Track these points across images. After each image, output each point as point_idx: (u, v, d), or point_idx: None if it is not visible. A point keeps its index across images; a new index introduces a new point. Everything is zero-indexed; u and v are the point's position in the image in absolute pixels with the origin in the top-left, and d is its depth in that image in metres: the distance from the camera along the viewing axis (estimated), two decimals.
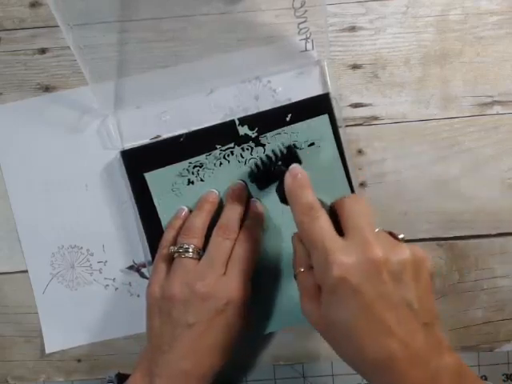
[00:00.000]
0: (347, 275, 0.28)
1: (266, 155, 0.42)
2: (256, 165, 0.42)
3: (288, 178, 0.34)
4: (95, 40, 0.44)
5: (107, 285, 0.45)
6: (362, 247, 0.29)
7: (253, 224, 0.41)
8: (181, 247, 0.38)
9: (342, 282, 0.28)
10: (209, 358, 0.37)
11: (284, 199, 0.36)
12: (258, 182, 0.42)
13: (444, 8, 0.46)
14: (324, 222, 0.31)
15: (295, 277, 0.34)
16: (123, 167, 0.43)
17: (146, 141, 0.44)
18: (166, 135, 0.44)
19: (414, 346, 0.28)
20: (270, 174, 0.41)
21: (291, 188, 0.34)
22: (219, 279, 0.37)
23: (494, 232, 0.46)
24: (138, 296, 0.45)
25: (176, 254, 0.39)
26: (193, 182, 0.42)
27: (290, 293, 0.43)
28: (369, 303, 0.28)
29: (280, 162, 0.41)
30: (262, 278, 0.42)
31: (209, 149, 0.42)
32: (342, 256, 0.29)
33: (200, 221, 0.40)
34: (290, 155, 0.41)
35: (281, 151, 0.42)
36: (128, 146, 0.44)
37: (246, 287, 0.38)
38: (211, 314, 0.36)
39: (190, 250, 0.38)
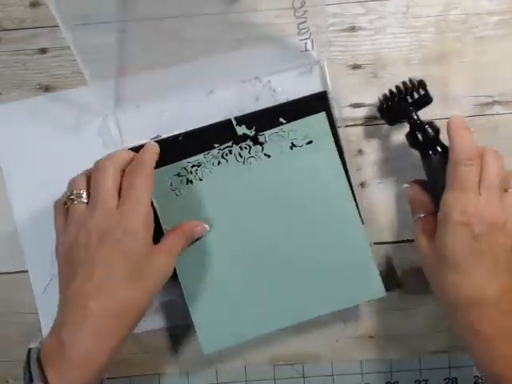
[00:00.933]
0: (473, 224, 0.34)
1: (397, 86, 0.41)
2: (385, 96, 0.42)
3: (456, 117, 0.38)
4: (95, 40, 0.44)
5: None
6: (490, 207, 0.34)
7: (141, 159, 0.37)
8: (71, 194, 0.36)
9: (465, 227, 0.34)
10: (121, 291, 0.33)
11: (415, 144, 0.40)
12: (385, 117, 0.42)
13: (444, 8, 0.46)
14: (474, 174, 0.35)
15: (414, 222, 0.40)
16: None
17: (145, 140, 0.44)
18: (166, 135, 0.44)
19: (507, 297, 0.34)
20: (398, 109, 0.41)
21: (458, 125, 0.37)
22: (110, 212, 0.35)
23: None
24: None
25: (69, 202, 0.36)
26: (192, 182, 0.42)
27: (285, 291, 0.42)
28: (483, 248, 0.34)
29: (409, 98, 0.40)
30: (254, 276, 0.42)
31: (207, 148, 0.42)
32: (473, 208, 0.34)
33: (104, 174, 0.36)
34: (422, 89, 0.40)
35: (412, 82, 0.41)
36: (128, 145, 0.44)
37: (143, 215, 0.35)
38: (109, 249, 0.34)
39: (84, 195, 0.36)
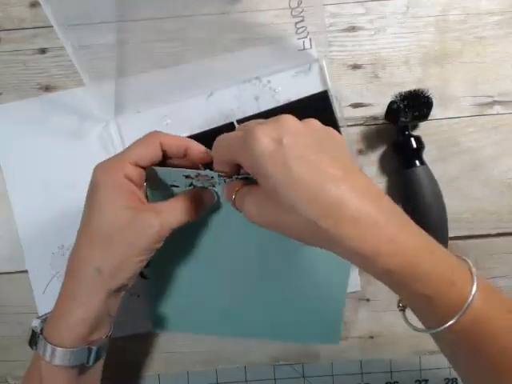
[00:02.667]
0: (269, 137, 0.28)
1: (409, 95, 0.42)
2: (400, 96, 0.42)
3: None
4: (93, 41, 0.44)
5: None
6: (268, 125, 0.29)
7: None
8: None
9: (267, 143, 0.27)
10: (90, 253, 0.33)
11: (405, 151, 0.43)
12: (391, 118, 0.43)
13: (444, 8, 0.46)
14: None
15: (234, 205, 0.33)
16: None
17: None
18: None
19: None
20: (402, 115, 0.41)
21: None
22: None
23: (493, 232, 0.46)
24: (138, 296, 0.45)
25: None
26: (195, 186, 0.42)
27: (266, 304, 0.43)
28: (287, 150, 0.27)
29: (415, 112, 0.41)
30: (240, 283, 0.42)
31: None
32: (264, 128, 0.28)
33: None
34: (427, 110, 0.42)
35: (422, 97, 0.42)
36: None
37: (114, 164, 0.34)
38: (87, 199, 0.34)
39: None
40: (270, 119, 0.30)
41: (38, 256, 0.45)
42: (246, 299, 0.43)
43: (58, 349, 0.32)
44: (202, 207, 0.37)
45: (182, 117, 0.45)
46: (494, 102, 0.45)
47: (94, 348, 0.34)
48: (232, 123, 0.43)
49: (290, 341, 0.45)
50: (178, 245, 0.41)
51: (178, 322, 0.44)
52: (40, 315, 0.36)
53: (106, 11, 0.44)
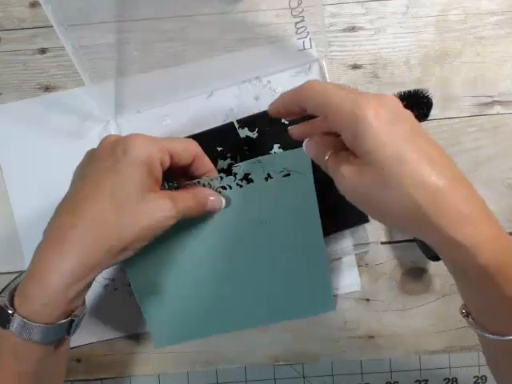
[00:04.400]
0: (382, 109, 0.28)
1: (409, 95, 0.42)
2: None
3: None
4: (93, 41, 0.44)
5: (106, 285, 0.45)
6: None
7: None
8: None
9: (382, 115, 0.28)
10: (105, 214, 0.32)
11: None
12: None
13: (444, 8, 0.46)
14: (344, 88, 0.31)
15: (326, 162, 0.32)
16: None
17: None
18: None
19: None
20: None
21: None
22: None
23: None
24: None
25: None
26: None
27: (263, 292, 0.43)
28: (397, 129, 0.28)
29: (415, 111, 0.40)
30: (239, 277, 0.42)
31: (210, 152, 0.39)
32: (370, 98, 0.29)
33: None
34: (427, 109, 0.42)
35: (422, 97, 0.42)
36: None
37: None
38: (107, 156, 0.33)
39: None
40: (371, 95, 0.29)
41: None
42: (233, 292, 0.42)
43: (38, 325, 0.30)
44: (206, 207, 0.37)
45: (182, 117, 0.45)
46: (494, 102, 0.45)
47: (76, 320, 0.32)
48: (232, 123, 0.43)
49: (287, 319, 0.44)
50: (158, 255, 0.40)
51: (176, 334, 0.44)
52: (3, 288, 0.32)
53: (106, 11, 0.44)
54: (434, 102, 0.42)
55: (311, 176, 0.39)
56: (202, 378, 0.47)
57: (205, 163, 0.37)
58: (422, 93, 0.42)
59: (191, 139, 0.37)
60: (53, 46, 0.45)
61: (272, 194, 0.39)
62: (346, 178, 0.30)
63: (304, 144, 0.34)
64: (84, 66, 0.40)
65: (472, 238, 0.26)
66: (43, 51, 0.46)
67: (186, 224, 0.38)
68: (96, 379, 0.47)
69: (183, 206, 0.34)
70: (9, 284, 0.33)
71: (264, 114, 0.43)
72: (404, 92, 0.42)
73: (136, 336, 0.46)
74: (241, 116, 0.44)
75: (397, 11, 0.46)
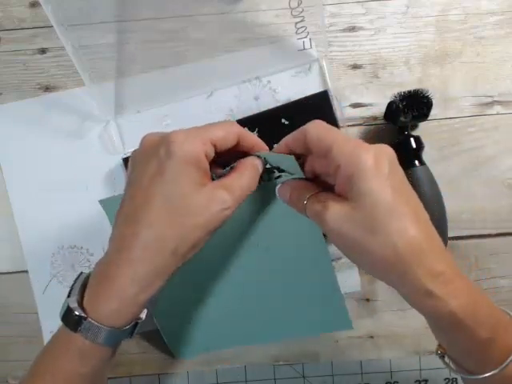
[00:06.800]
0: (383, 162, 0.30)
1: (408, 95, 0.42)
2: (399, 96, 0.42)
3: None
4: (93, 41, 0.44)
5: None
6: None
7: None
8: None
9: (380, 167, 0.29)
10: (159, 227, 0.32)
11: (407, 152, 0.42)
12: (391, 118, 0.43)
13: (444, 8, 0.46)
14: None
15: (305, 205, 0.32)
16: (125, 172, 0.43)
17: None
18: None
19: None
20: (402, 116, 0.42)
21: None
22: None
23: (493, 232, 0.46)
24: None
25: None
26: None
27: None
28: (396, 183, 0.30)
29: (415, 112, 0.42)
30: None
31: None
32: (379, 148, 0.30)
33: None
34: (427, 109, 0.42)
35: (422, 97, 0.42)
36: (130, 151, 0.44)
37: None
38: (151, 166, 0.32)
39: None
40: (372, 145, 0.30)
41: (37, 256, 0.45)
42: (249, 308, 0.42)
43: (108, 329, 0.30)
44: (257, 174, 0.35)
45: (181, 117, 0.45)
46: (494, 102, 0.45)
47: (141, 320, 0.33)
48: None
49: (304, 335, 0.44)
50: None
51: (196, 347, 0.44)
52: (70, 289, 0.32)
53: (105, 11, 0.44)
54: (434, 101, 0.42)
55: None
56: (201, 378, 0.47)
57: (250, 139, 0.35)
58: (421, 93, 0.42)
59: (230, 121, 0.35)
60: (53, 46, 0.45)
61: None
62: (334, 218, 0.30)
63: (277, 190, 0.35)
64: (84, 66, 0.40)
65: (445, 288, 0.29)
66: (43, 51, 0.46)
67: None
68: None
69: (237, 186, 0.33)
70: (73, 286, 0.33)
71: (264, 114, 0.43)
72: (404, 92, 0.42)
73: (136, 336, 0.46)
74: (241, 116, 0.44)
75: (397, 11, 0.46)
